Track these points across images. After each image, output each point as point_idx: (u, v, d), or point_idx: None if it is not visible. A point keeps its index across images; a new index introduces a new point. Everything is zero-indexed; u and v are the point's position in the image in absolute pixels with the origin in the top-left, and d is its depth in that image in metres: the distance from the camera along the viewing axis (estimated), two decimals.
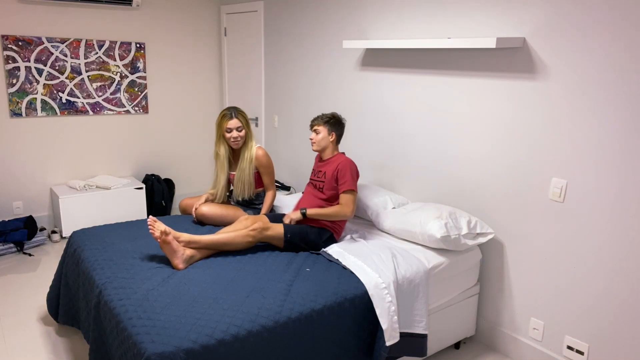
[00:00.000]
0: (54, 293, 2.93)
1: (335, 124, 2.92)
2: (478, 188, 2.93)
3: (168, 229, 2.49)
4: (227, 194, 3.41)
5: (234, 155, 3.32)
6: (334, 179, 2.80)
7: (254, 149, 3.23)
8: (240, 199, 3.28)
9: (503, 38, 2.51)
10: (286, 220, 2.82)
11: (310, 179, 3.01)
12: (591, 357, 2.52)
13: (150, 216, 2.57)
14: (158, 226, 2.49)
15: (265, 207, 3.25)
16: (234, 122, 3.15)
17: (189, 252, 2.52)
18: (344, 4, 3.69)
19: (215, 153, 3.28)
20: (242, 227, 2.73)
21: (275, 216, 2.96)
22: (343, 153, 2.96)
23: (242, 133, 3.19)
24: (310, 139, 2.96)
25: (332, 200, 2.86)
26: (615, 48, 2.24)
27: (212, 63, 5.33)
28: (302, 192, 3.17)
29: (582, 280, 2.50)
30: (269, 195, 3.29)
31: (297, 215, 2.80)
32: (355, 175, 2.84)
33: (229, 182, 3.33)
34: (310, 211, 2.78)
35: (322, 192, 2.87)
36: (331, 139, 2.91)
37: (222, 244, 2.61)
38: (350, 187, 2.77)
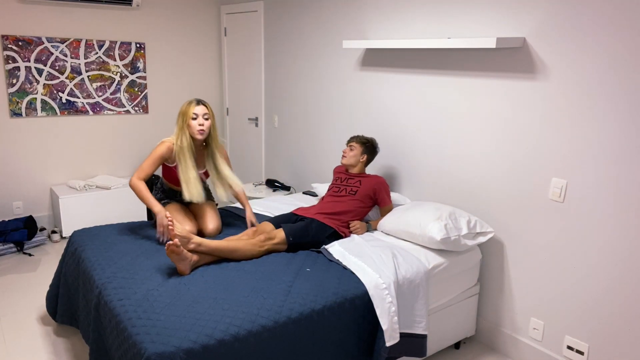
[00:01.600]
0: (53, 292, 2.93)
1: (370, 148, 3.23)
2: (478, 188, 2.93)
3: (190, 235, 2.42)
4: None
5: (197, 152, 3.03)
6: (372, 191, 3.09)
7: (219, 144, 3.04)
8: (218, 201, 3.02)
9: (503, 38, 2.51)
10: (358, 233, 2.95)
11: (337, 184, 3.20)
12: (591, 357, 2.52)
13: (167, 213, 2.48)
14: (177, 227, 2.42)
15: (248, 210, 3.07)
16: (200, 109, 2.92)
17: (195, 258, 2.46)
18: (344, 4, 3.69)
19: (177, 147, 2.92)
20: (247, 237, 2.74)
21: (275, 219, 2.95)
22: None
23: (209, 123, 2.94)
24: (343, 152, 3.24)
25: (364, 201, 3.07)
26: (615, 48, 2.24)
27: (212, 63, 5.33)
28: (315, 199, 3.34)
29: (582, 280, 2.50)
30: (240, 193, 3.13)
31: (364, 226, 2.99)
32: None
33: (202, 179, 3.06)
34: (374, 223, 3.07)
35: (355, 195, 3.07)
36: (361, 160, 3.21)
37: (231, 251, 2.56)
38: (390, 202, 3.15)
